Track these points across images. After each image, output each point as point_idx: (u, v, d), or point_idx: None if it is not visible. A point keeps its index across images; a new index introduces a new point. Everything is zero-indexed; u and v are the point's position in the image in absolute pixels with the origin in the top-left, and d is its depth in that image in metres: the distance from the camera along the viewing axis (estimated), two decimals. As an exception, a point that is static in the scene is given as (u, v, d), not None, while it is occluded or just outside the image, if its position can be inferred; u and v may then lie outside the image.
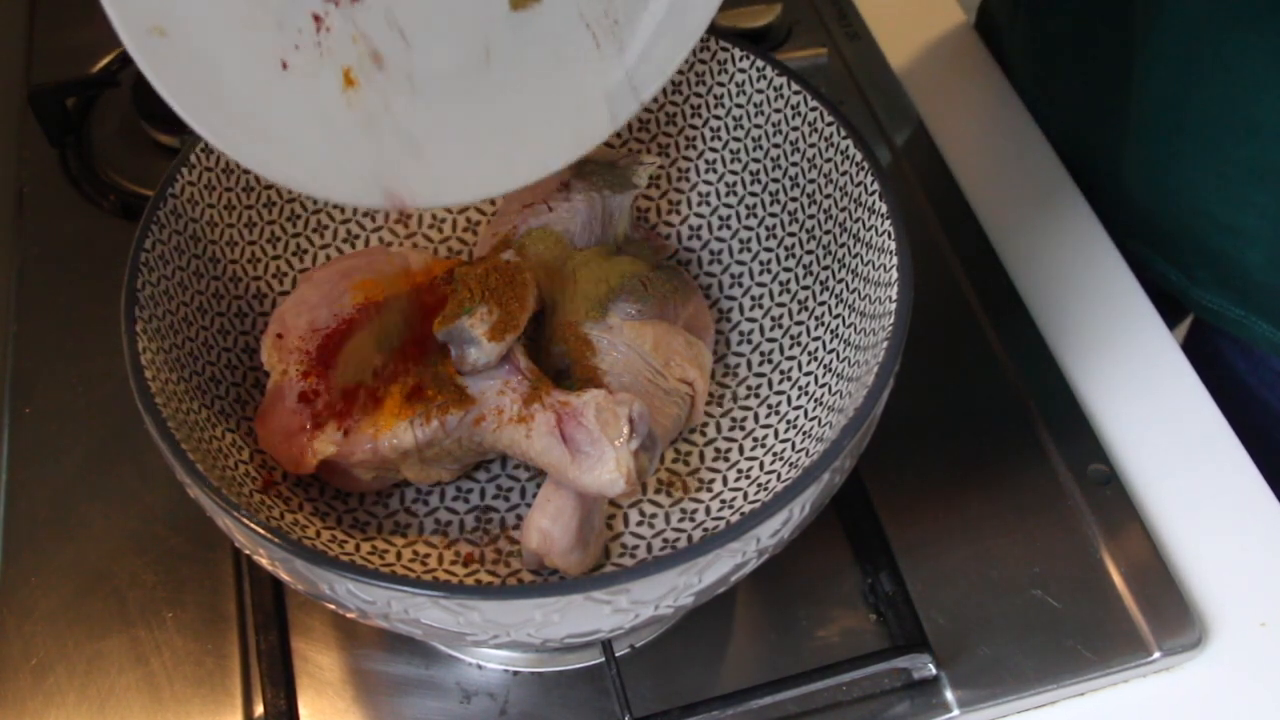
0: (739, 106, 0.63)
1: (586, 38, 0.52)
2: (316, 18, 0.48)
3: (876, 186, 0.56)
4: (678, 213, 0.66)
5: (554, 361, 0.58)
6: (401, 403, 0.54)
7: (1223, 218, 0.71)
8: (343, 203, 0.53)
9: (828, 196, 0.60)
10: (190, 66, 0.46)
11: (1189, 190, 0.72)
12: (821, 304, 0.60)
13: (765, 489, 0.57)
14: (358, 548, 0.55)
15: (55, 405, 0.68)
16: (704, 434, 0.61)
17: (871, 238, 0.56)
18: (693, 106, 0.65)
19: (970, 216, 0.77)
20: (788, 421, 0.59)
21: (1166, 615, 0.60)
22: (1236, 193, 0.69)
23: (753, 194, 0.64)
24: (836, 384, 0.56)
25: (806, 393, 0.59)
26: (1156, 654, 0.59)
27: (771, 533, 0.47)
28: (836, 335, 0.58)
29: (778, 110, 0.62)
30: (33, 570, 0.62)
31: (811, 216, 0.61)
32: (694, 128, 0.65)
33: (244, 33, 0.47)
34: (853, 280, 0.58)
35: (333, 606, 0.47)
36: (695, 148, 0.65)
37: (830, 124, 0.59)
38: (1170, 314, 0.78)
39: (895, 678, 0.58)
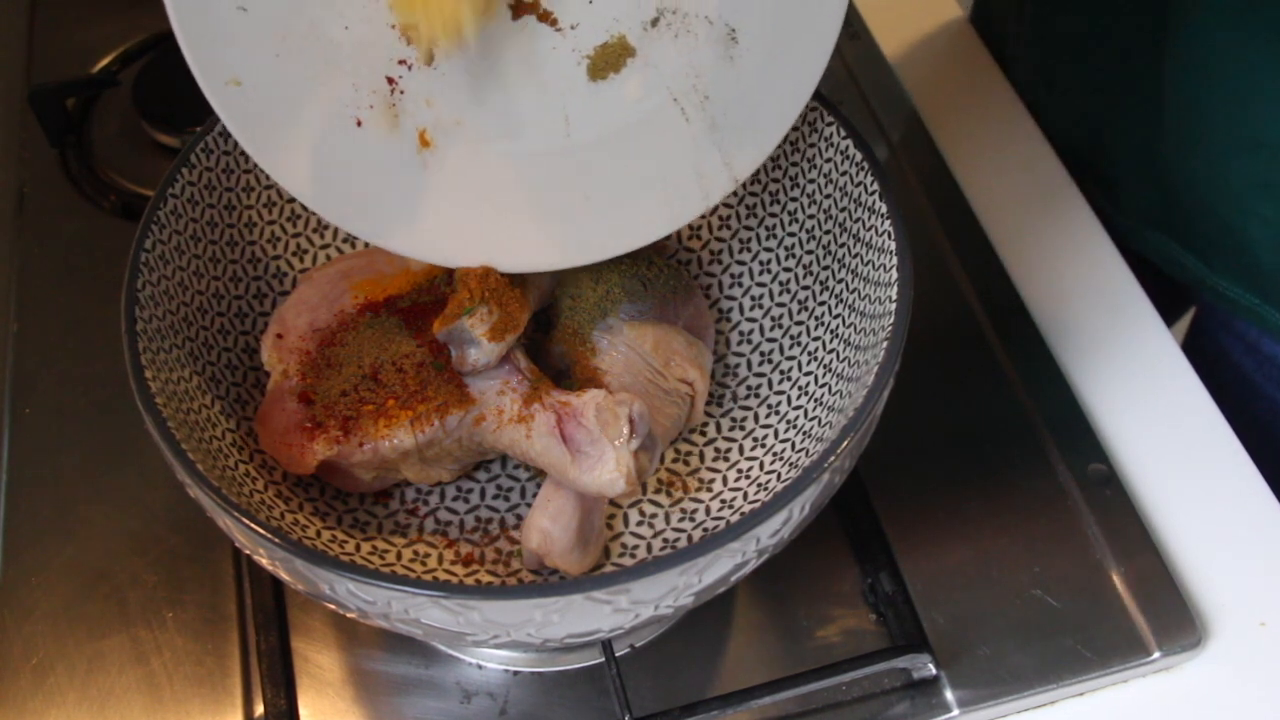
0: (739, 106, 0.63)
1: (674, 112, 0.51)
2: (390, 80, 0.49)
3: (876, 186, 0.56)
4: (678, 213, 0.66)
5: (554, 362, 0.58)
6: (401, 403, 0.54)
7: (1232, 224, 0.70)
8: (414, 257, 0.53)
9: (828, 196, 0.60)
10: (266, 117, 0.48)
11: (1199, 193, 0.71)
12: (821, 304, 0.60)
13: (765, 489, 0.56)
14: (358, 548, 0.55)
15: (55, 405, 0.68)
16: (704, 434, 0.61)
17: (871, 238, 0.56)
18: (693, 106, 0.65)
19: (969, 215, 0.77)
20: (788, 421, 0.59)
21: (1166, 615, 0.60)
22: (1243, 204, 0.69)
23: (753, 194, 0.64)
24: (836, 384, 0.56)
25: (806, 393, 0.59)
26: (1156, 654, 0.59)
27: (771, 533, 0.47)
28: (836, 335, 0.58)
29: (778, 110, 0.62)
30: (33, 570, 0.62)
31: (811, 216, 0.61)
32: (694, 128, 0.65)
33: (317, 88, 0.48)
34: (853, 280, 0.58)
35: (333, 606, 0.47)
36: (695, 148, 0.65)
37: (830, 124, 0.59)
38: (1169, 309, 0.78)
39: (895, 678, 0.58)
